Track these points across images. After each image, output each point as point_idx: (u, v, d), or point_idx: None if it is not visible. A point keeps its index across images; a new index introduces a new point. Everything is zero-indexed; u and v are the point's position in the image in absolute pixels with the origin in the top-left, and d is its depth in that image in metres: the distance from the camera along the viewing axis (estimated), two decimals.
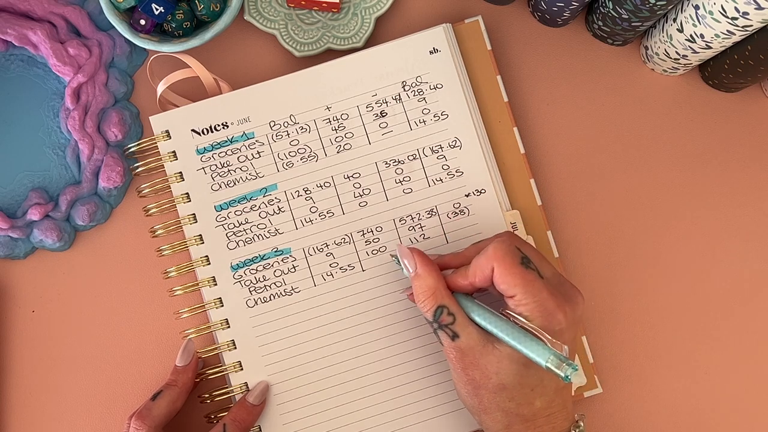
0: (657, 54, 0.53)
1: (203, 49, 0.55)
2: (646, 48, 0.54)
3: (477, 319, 0.44)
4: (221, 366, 0.51)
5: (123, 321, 0.54)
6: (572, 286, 0.45)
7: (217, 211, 0.52)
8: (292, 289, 0.52)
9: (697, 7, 0.46)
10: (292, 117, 0.52)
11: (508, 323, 0.42)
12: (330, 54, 0.55)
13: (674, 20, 0.49)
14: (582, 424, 0.44)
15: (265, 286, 0.52)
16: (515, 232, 0.51)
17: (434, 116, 0.52)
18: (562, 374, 0.40)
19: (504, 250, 0.43)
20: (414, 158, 0.52)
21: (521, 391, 0.43)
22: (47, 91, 0.55)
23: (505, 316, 0.43)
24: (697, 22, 0.46)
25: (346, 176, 0.52)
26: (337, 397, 0.51)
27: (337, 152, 0.52)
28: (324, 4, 0.54)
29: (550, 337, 0.41)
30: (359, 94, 0.52)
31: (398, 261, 0.47)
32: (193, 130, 0.52)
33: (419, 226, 0.52)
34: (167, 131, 0.53)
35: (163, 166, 0.53)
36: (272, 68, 0.56)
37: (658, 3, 0.46)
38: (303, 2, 0.54)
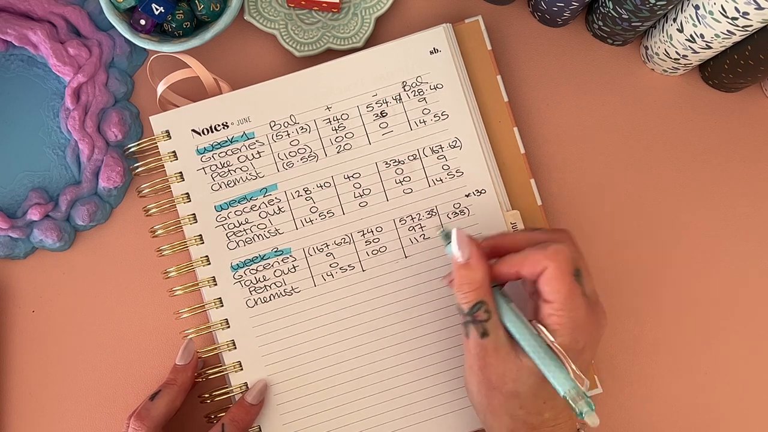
0: (657, 54, 0.53)
1: (203, 49, 0.55)
2: (646, 48, 0.54)
3: (509, 326, 0.43)
4: (221, 366, 0.51)
5: (123, 321, 0.54)
6: (602, 307, 0.44)
7: (217, 211, 0.52)
8: (292, 289, 0.52)
9: (697, 7, 0.46)
10: (292, 117, 0.52)
11: (538, 340, 0.42)
12: (330, 54, 0.55)
13: (674, 20, 0.49)
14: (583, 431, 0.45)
15: (265, 286, 0.52)
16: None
17: (434, 116, 0.52)
18: (578, 410, 0.40)
19: (565, 256, 0.42)
20: (414, 158, 0.52)
21: (534, 401, 0.42)
22: (47, 91, 0.55)
23: (535, 328, 0.42)
24: (697, 22, 0.46)
25: (346, 176, 0.52)
26: (337, 397, 0.51)
27: (337, 152, 0.52)
28: (324, 4, 0.54)
29: (575, 368, 0.41)
30: (359, 94, 0.52)
31: (444, 238, 0.46)
32: (193, 130, 0.52)
33: (419, 226, 0.52)
34: (167, 131, 0.53)
35: (163, 166, 0.53)
36: (272, 68, 0.56)
37: (658, 3, 0.46)
38: (303, 2, 0.54)
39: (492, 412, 0.44)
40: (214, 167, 0.52)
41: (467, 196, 0.52)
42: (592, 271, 0.53)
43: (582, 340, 0.42)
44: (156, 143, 0.53)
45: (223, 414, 0.51)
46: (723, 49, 0.49)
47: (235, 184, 0.52)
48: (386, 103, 0.52)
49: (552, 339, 0.42)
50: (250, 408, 0.49)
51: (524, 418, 0.43)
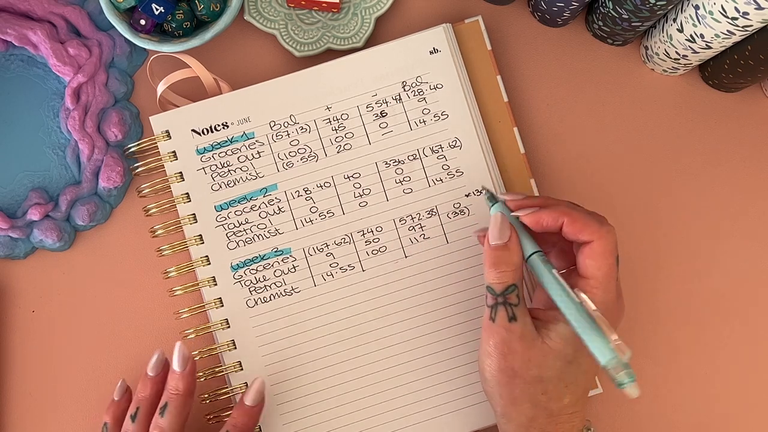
0: (657, 54, 0.53)
1: (203, 49, 0.55)
2: (646, 48, 0.54)
3: (550, 290, 0.42)
4: (221, 366, 0.51)
5: (123, 321, 0.54)
6: (623, 300, 0.45)
7: (217, 211, 0.52)
8: (292, 289, 0.52)
9: (697, 7, 0.46)
10: (292, 117, 0.52)
11: (581, 308, 0.41)
12: (330, 54, 0.55)
13: (674, 20, 0.49)
14: (592, 429, 0.45)
15: (265, 286, 0.52)
16: None
17: (434, 116, 0.52)
18: (618, 380, 0.39)
19: (614, 237, 0.43)
20: (414, 158, 0.52)
21: (557, 385, 0.42)
22: (47, 91, 0.55)
23: (577, 296, 0.42)
24: (697, 22, 0.46)
25: (346, 176, 0.52)
26: (337, 397, 0.51)
27: (337, 152, 0.52)
28: (324, 4, 0.54)
29: (617, 338, 0.40)
30: (359, 94, 0.52)
31: (489, 199, 0.46)
32: (193, 130, 0.52)
33: (419, 226, 0.52)
34: (167, 131, 0.53)
35: (163, 166, 0.53)
36: (272, 68, 0.56)
37: (658, 3, 0.46)
38: (303, 2, 0.54)
39: (513, 401, 0.43)
40: (214, 167, 0.52)
41: (467, 196, 0.52)
42: None
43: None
44: (156, 143, 0.53)
45: (223, 413, 0.51)
46: (723, 49, 0.49)
47: (235, 184, 0.52)
48: (386, 103, 0.52)
49: (594, 308, 0.41)
50: (251, 410, 0.48)
51: (546, 404, 0.42)
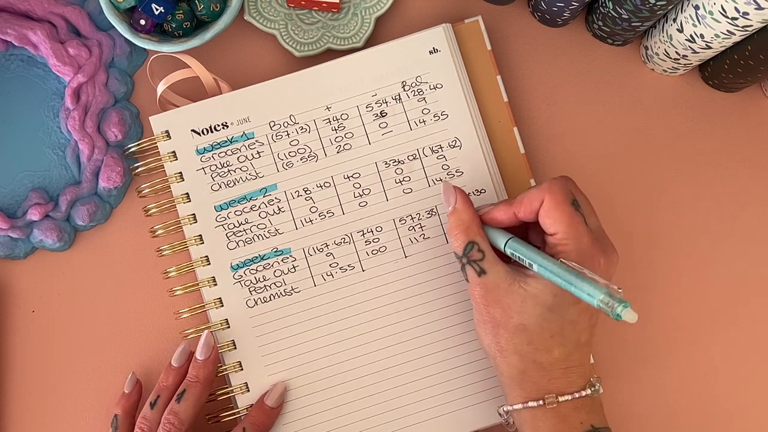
0: (657, 54, 0.53)
1: (203, 49, 0.55)
2: (646, 48, 0.54)
3: (519, 254, 0.43)
4: (221, 366, 0.51)
5: (123, 321, 0.54)
6: (611, 243, 0.45)
7: (217, 211, 0.52)
8: (292, 289, 0.52)
9: (697, 7, 0.46)
10: (292, 117, 0.52)
11: (555, 263, 0.41)
12: (330, 54, 0.55)
13: (674, 20, 0.49)
14: (598, 385, 0.44)
15: (265, 286, 0.52)
16: None
17: (434, 116, 0.52)
18: (614, 313, 0.38)
19: (559, 187, 0.43)
20: (414, 158, 0.52)
21: (540, 335, 0.43)
22: (47, 91, 0.55)
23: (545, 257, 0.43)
24: (697, 22, 0.46)
25: (346, 176, 0.52)
26: (337, 397, 0.51)
27: (337, 152, 0.52)
28: (324, 4, 0.54)
29: (600, 278, 0.40)
30: (359, 94, 0.52)
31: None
32: (193, 130, 0.52)
33: (419, 226, 0.52)
34: (167, 131, 0.53)
35: (163, 167, 0.53)
36: (272, 68, 0.56)
37: (658, 3, 0.46)
38: (303, 2, 0.54)
39: (500, 351, 0.44)
40: (213, 167, 0.52)
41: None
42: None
43: (592, 269, 0.42)
44: (156, 143, 0.53)
45: (225, 414, 0.51)
46: (723, 49, 0.49)
47: (234, 184, 0.52)
48: (386, 103, 0.52)
49: (564, 260, 0.42)
50: (271, 411, 0.49)
51: (533, 355, 0.43)
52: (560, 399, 0.43)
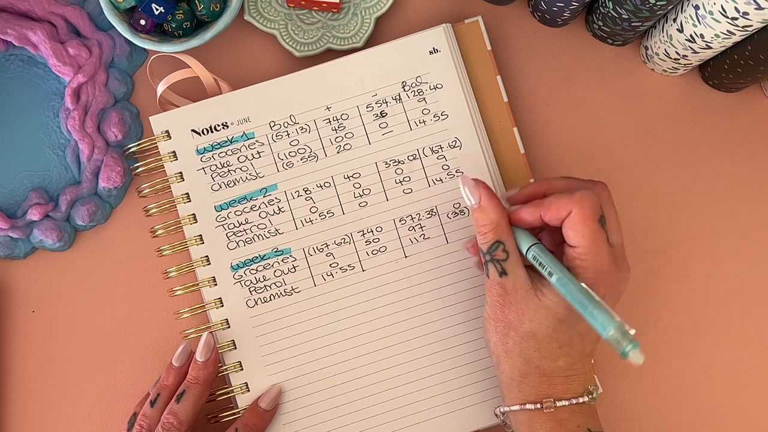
0: (657, 54, 0.53)
1: (203, 49, 0.55)
2: (646, 48, 0.54)
3: (549, 272, 0.42)
4: (221, 366, 0.51)
5: (123, 321, 0.54)
6: (626, 261, 0.45)
7: (217, 211, 0.52)
8: (292, 289, 0.52)
9: (697, 7, 0.46)
10: (292, 117, 0.52)
11: (577, 284, 0.41)
12: (330, 54, 0.55)
13: (674, 20, 0.49)
14: (596, 393, 0.44)
15: (265, 286, 0.52)
16: None
17: (434, 116, 0.52)
18: (620, 350, 0.38)
19: (589, 201, 0.43)
20: (414, 158, 0.52)
21: (549, 344, 0.43)
22: (47, 91, 0.55)
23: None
24: (697, 22, 0.46)
25: (346, 176, 0.52)
26: (337, 397, 0.51)
27: (337, 152, 0.52)
28: (324, 4, 0.54)
29: (614, 313, 0.40)
30: (359, 94, 0.52)
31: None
32: (193, 131, 0.52)
33: (419, 226, 0.52)
34: (167, 131, 0.53)
35: (163, 167, 0.53)
36: (272, 68, 0.56)
37: (658, 3, 0.46)
38: (303, 2, 0.54)
39: (506, 352, 0.44)
40: (214, 167, 0.52)
41: None
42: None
43: (603, 289, 0.42)
44: (156, 143, 0.53)
45: (225, 414, 0.51)
46: (723, 49, 0.49)
47: (235, 184, 0.52)
48: (386, 103, 0.52)
49: (584, 285, 0.41)
50: (264, 414, 0.50)
51: (538, 362, 0.43)
52: (558, 404, 0.43)
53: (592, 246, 0.42)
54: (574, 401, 0.43)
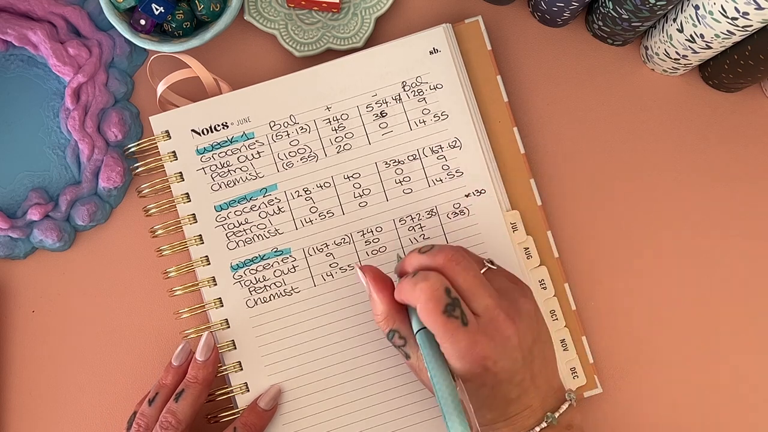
0: (657, 54, 0.53)
1: (203, 49, 0.55)
2: (646, 48, 0.54)
3: (427, 363, 0.42)
4: (221, 366, 0.51)
5: (123, 321, 0.54)
6: (518, 290, 0.44)
7: (217, 211, 0.52)
8: (292, 290, 0.52)
9: (697, 7, 0.46)
10: (292, 117, 0.52)
11: (447, 387, 0.41)
12: (330, 54, 0.55)
13: (674, 20, 0.49)
14: (557, 413, 0.44)
15: (265, 286, 0.52)
16: (515, 233, 0.51)
17: (434, 116, 0.52)
18: None
19: (427, 294, 0.41)
20: (414, 158, 0.52)
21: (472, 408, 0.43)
22: (47, 91, 0.55)
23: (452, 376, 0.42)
24: (697, 22, 0.46)
25: (346, 176, 0.52)
26: (336, 397, 0.51)
27: (337, 152, 0.52)
28: (324, 4, 0.54)
29: (477, 425, 0.40)
30: (359, 95, 0.52)
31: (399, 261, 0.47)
32: (193, 131, 0.52)
33: (419, 226, 0.52)
34: (167, 131, 0.53)
35: (163, 167, 0.53)
36: (272, 68, 0.56)
37: (658, 3, 0.46)
38: (303, 2, 0.54)
39: None
40: (213, 167, 0.52)
41: (467, 196, 0.52)
42: (591, 270, 0.54)
43: (478, 366, 0.41)
44: (156, 143, 0.53)
45: (225, 414, 0.51)
46: (723, 49, 0.49)
47: (234, 184, 0.52)
48: (386, 103, 0.52)
49: (463, 394, 0.41)
50: (263, 413, 0.50)
51: (473, 422, 0.42)
52: None
53: (445, 336, 0.41)
54: (537, 429, 0.43)
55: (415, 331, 0.44)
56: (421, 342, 0.43)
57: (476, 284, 0.43)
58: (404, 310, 0.45)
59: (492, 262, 0.45)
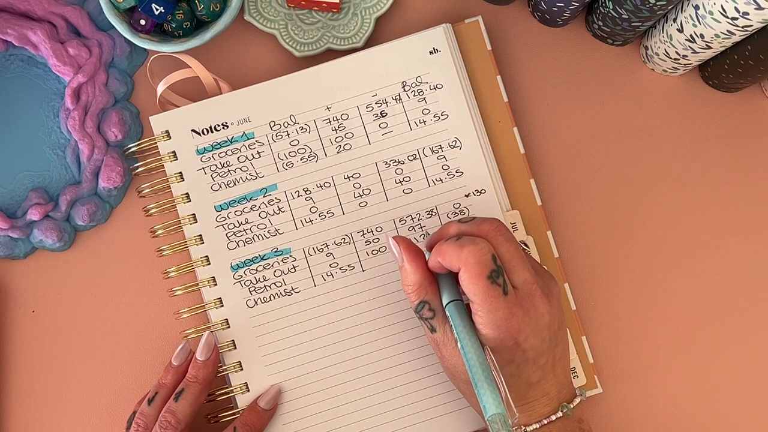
0: (657, 54, 0.53)
1: (203, 49, 0.55)
2: (646, 48, 0.54)
3: (458, 334, 0.42)
4: (221, 366, 0.51)
5: (123, 321, 0.54)
6: (547, 284, 0.44)
7: (217, 211, 0.52)
8: (292, 290, 0.52)
9: (697, 7, 0.46)
10: (292, 117, 0.52)
11: (477, 356, 0.41)
12: (330, 54, 0.55)
13: (674, 20, 0.49)
14: (572, 405, 0.44)
15: (265, 286, 0.52)
16: (515, 232, 0.51)
17: (434, 116, 0.52)
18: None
19: (476, 257, 0.42)
20: (414, 158, 0.52)
21: None
22: (47, 91, 0.55)
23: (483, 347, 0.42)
24: (697, 22, 0.46)
25: (346, 176, 0.52)
26: (336, 397, 0.51)
27: (337, 152, 0.52)
28: (324, 4, 0.54)
29: (509, 394, 0.41)
30: (359, 95, 0.52)
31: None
32: (193, 131, 0.52)
33: (419, 226, 0.52)
34: (167, 131, 0.53)
35: (163, 167, 0.53)
36: (272, 68, 0.56)
37: (658, 3, 0.46)
38: (303, 2, 0.54)
39: (462, 393, 0.47)
40: (213, 167, 0.52)
41: (467, 196, 0.52)
42: (591, 270, 0.54)
43: (510, 338, 0.42)
44: (156, 143, 0.53)
45: (225, 414, 0.51)
46: (723, 49, 0.49)
47: (235, 184, 0.52)
48: (386, 103, 0.52)
49: (495, 364, 0.41)
50: (263, 413, 0.50)
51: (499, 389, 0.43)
52: (528, 429, 0.44)
53: (484, 303, 0.41)
54: (545, 421, 0.44)
55: (445, 304, 0.44)
56: (452, 314, 0.43)
57: (518, 257, 0.43)
58: (435, 282, 0.45)
59: (525, 245, 0.45)
